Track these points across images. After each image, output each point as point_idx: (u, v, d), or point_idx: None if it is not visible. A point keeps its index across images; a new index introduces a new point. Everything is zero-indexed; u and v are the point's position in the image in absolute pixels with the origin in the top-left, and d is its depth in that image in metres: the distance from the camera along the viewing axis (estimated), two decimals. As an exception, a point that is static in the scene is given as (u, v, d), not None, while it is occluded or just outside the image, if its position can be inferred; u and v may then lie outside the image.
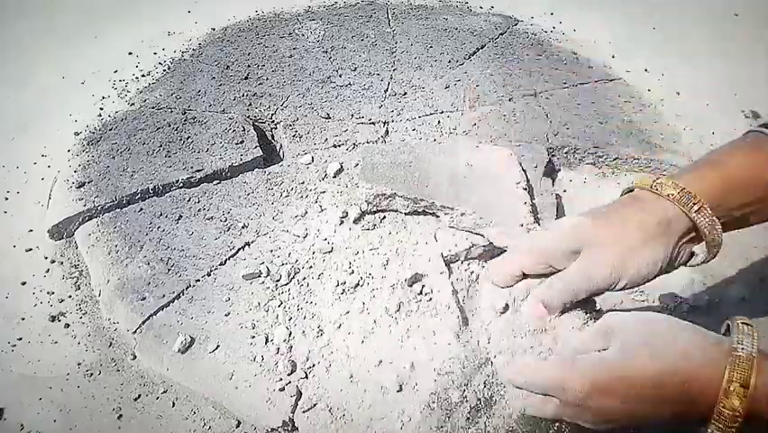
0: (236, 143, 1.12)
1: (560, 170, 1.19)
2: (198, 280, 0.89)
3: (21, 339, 0.90)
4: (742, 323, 0.47)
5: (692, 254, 0.58)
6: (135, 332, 0.85)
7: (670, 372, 0.45)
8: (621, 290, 0.56)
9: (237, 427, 0.79)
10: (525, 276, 0.62)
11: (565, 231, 0.57)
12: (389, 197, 0.94)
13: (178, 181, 1.05)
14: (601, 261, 0.55)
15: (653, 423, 0.49)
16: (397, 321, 0.82)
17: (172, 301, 0.87)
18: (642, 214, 0.56)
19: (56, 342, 0.90)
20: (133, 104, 1.28)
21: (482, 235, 0.91)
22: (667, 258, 0.55)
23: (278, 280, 0.88)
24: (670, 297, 0.98)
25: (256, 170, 1.09)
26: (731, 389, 0.43)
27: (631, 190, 0.62)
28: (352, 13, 1.60)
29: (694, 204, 0.54)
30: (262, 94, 1.28)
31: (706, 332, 0.48)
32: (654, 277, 0.57)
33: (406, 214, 0.96)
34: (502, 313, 0.66)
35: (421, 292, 0.85)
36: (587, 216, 0.58)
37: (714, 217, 0.54)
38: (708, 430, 0.46)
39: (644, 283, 0.56)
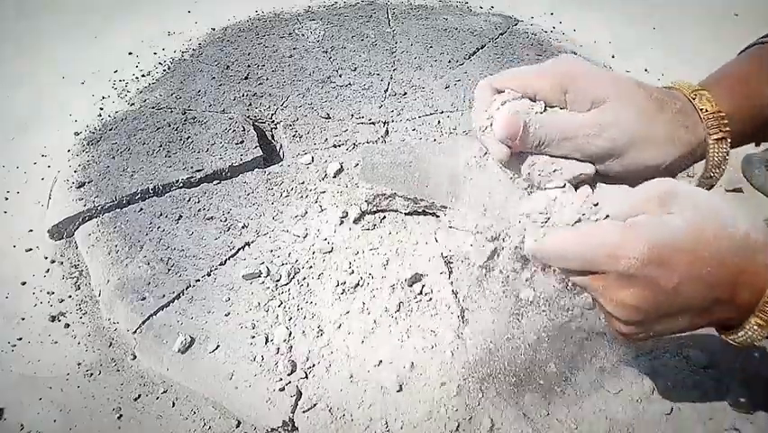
0: (236, 143, 1.12)
1: (560, 170, 1.19)
2: (198, 280, 0.89)
3: (21, 339, 0.90)
4: None
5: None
6: (135, 332, 0.85)
7: (733, 253, 0.41)
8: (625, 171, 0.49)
9: (237, 427, 0.78)
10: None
11: (555, 63, 0.51)
12: (389, 197, 0.94)
13: (178, 181, 1.05)
14: (623, 118, 0.47)
15: (685, 320, 0.44)
16: (397, 321, 0.82)
17: (172, 301, 0.87)
18: (670, 96, 0.51)
19: (56, 342, 0.90)
20: (133, 104, 1.28)
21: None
22: (687, 146, 0.49)
23: (278, 281, 0.88)
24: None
25: (256, 170, 1.09)
26: None
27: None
28: (351, 13, 1.60)
29: (720, 130, 0.50)
30: (262, 94, 1.28)
31: (756, 216, 0.45)
32: (663, 166, 0.50)
33: (406, 214, 0.96)
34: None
35: (421, 292, 0.85)
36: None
37: (727, 156, 0.50)
38: (752, 321, 0.43)
39: (654, 167, 0.49)
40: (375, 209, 0.96)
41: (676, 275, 0.42)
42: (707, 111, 0.51)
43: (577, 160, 0.49)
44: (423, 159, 0.98)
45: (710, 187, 0.52)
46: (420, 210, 0.95)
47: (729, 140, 0.50)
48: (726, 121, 0.50)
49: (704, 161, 0.52)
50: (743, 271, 0.42)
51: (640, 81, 0.51)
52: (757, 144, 0.59)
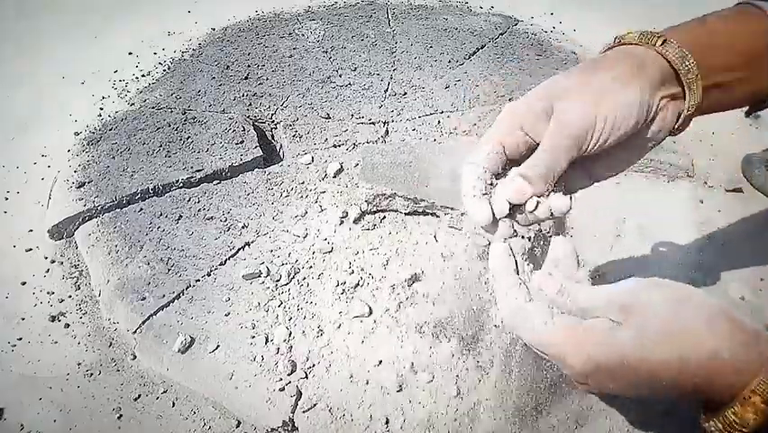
0: (236, 143, 1.12)
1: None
2: (198, 280, 0.89)
3: (21, 339, 0.90)
4: None
5: (680, 115, 0.53)
6: (135, 332, 0.85)
7: (690, 373, 0.40)
8: (601, 144, 0.50)
9: (237, 427, 0.78)
10: (508, 160, 0.54)
11: (536, 90, 0.53)
12: (389, 197, 0.94)
13: (178, 181, 1.05)
14: (574, 105, 0.49)
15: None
16: (398, 321, 0.82)
17: (172, 301, 0.87)
18: (612, 61, 0.52)
19: (56, 342, 0.90)
20: (133, 104, 1.28)
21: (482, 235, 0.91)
22: (645, 103, 0.49)
23: (278, 281, 0.88)
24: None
25: (256, 170, 1.09)
26: (750, 399, 0.38)
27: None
28: (352, 13, 1.60)
29: (658, 38, 0.50)
30: (262, 94, 1.28)
31: (742, 325, 0.41)
32: (636, 126, 0.51)
33: (406, 214, 0.96)
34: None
35: (421, 292, 0.85)
36: (559, 74, 0.53)
37: (683, 49, 0.50)
38: (707, 424, 0.42)
39: (625, 133, 0.51)
40: (375, 209, 0.96)
41: (622, 385, 0.43)
42: (634, 38, 0.52)
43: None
44: (423, 159, 0.98)
45: (699, 95, 0.51)
46: (420, 210, 0.95)
47: (675, 42, 0.50)
48: (657, 31, 0.51)
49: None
50: (707, 388, 0.41)
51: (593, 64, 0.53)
52: (747, 114, 0.58)
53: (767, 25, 0.51)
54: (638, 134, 0.52)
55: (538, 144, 0.51)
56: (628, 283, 0.45)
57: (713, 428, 0.42)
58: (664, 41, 0.50)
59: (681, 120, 0.53)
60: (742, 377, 0.39)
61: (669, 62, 0.50)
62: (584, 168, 0.55)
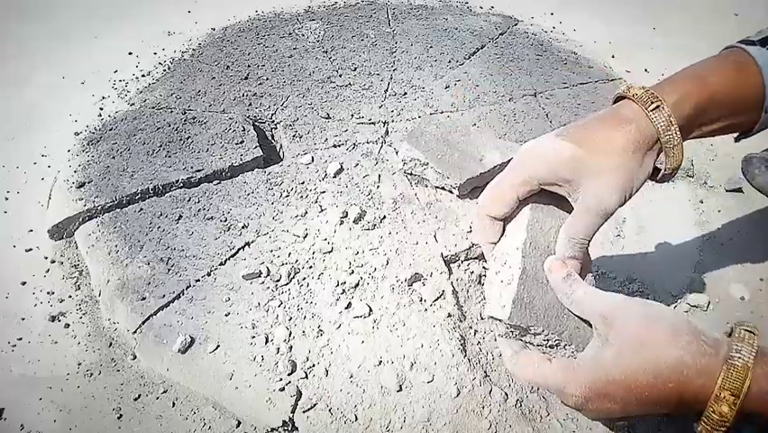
0: (236, 143, 1.12)
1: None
2: (198, 280, 0.89)
3: (21, 339, 0.90)
4: (744, 329, 0.47)
5: (656, 169, 0.59)
6: (135, 332, 0.85)
7: (664, 379, 0.46)
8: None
9: (237, 427, 0.79)
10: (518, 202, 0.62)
11: (563, 160, 0.57)
12: (424, 164, 0.97)
13: (178, 181, 1.05)
14: (610, 192, 0.55)
15: (652, 416, 0.52)
16: (397, 321, 0.82)
17: (172, 301, 0.87)
18: (626, 133, 0.57)
19: (56, 342, 0.90)
20: (133, 104, 1.28)
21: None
22: (648, 169, 0.57)
23: (278, 281, 0.88)
24: (670, 297, 0.98)
25: (256, 170, 1.09)
26: (722, 396, 0.45)
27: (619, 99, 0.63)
28: (352, 13, 1.60)
29: (652, 102, 0.56)
30: (262, 94, 1.28)
31: (704, 336, 0.48)
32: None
33: (436, 187, 0.99)
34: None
35: (421, 292, 0.85)
36: (573, 142, 0.58)
37: (672, 117, 0.55)
38: (698, 429, 0.47)
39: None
40: (410, 172, 1.01)
41: (615, 402, 0.49)
42: (637, 95, 0.57)
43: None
44: (471, 143, 0.99)
45: (678, 161, 0.58)
46: (447, 189, 0.97)
47: (667, 108, 0.56)
48: (656, 94, 0.56)
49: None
50: (682, 391, 0.47)
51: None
52: (737, 140, 0.65)
53: (760, 78, 0.57)
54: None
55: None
56: (615, 298, 0.53)
57: (704, 431, 0.47)
58: (657, 107, 0.56)
59: (660, 176, 0.60)
60: (708, 379, 0.45)
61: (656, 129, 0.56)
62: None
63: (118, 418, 0.80)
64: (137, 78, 1.41)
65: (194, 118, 1.19)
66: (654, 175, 0.59)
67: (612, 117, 0.58)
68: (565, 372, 0.51)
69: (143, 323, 0.85)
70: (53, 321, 0.92)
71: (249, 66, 1.37)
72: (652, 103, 0.56)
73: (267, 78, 1.33)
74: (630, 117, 0.57)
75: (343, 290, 0.86)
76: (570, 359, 0.54)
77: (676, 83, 0.58)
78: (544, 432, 0.74)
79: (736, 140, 0.65)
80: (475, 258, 0.91)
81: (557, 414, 0.76)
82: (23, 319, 0.92)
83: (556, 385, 0.52)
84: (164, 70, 1.41)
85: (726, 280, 1.02)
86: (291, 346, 0.80)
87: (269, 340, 0.81)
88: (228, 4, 1.65)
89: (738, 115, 0.59)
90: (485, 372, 0.78)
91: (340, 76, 1.35)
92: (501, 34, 1.54)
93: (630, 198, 0.57)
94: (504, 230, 0.64)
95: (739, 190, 1.19)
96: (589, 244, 0.58)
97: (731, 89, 0.58)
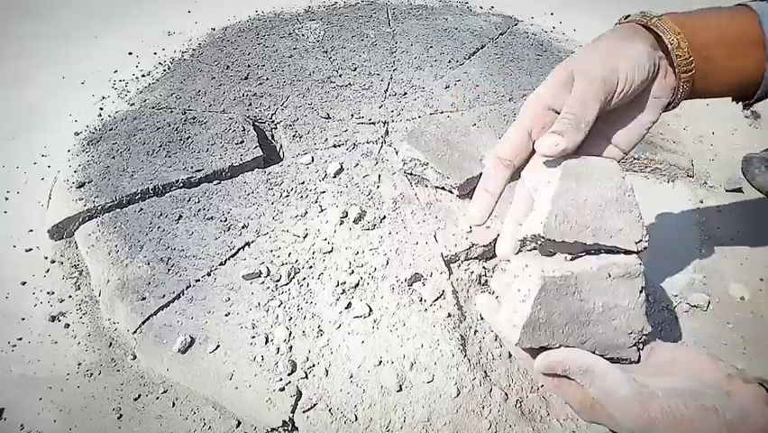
0: (236, 143, 1.12)
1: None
2: (198, 280, 0.89)
3: (21, 339, 0.90)
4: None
5: (674, 90, 0.55)
6: (135, 332, 0.85)
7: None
8: (624, 94, 0.52)
9: (237, 427, 0.78)
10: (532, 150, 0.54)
11: (552, 72, 0.54)
12: (424, 164, 0.97)
13: (178, 181, 1.05)
14: (594, 57, 0.52)
15: None
16: (397, 321, 0.82)
17: (172, 301, 0.87)
18: (612, 31, 0.55)
19: (56, 342, 0.90)
20: (133, 104, 1.28)
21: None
22: (651, 54, 0.53)
23: (278, 281, 0.88)
24: (670, 297, 0.98)
25: (256, 170, 1.09)
26: None
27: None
28: (352, 13, 1.60)
29: (651, 17, 0.54)
30: (262, 94, 1.28)
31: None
32: (648, 77, 0.54)
33: (435, 187, 0.99)
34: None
35: (421, 292, 0.85)
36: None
37: (670, 22, 0.53)
38: None
39: (642, 83, 0.53)
40: (410, 172, 1.01)
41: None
42: (636, 16, 0.55)
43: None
44: (471, 143, 1.00)
45: (689, 71, 0.54)
46: (447, 189, 0.97)
47: (669, 20, 0.53)
48: (652, 12, 0.54)
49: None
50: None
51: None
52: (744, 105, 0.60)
53: (757, 22, 0.54)
54: (646, 93, 0.55)
55: None
56: (663, 350, 0.48)
57: None
58: (656, 18, 0.54)
59: (675, 93, 0.56)
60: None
61: (657, 33, 0.54)
62: (605, 137, 0.56)
63: (118, 418, 0.80)
64: (137, 78, 1.41)
65: (194, 118, 1.19)
66: (671, 94, 0.55)
67: (607, 31, 0.56)
68: (636, 396, 0.45)
69: (143, 323, 0.85)
70: (53, 321, 0.92)
71: (249, 66, 1.37)
72: (651, 17, 0.54)
73: (267, 78, 1.33)
74: (626, 25, 0.55)
75: (343, 290, 0.86)
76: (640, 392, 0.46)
77: (671, 16, 0.56)
78: (544, 432, 0.74)
79: (745, 106, 0.61)
80: (475, 258, 0.91)
81: (557, 414, 0.76)
82: (23, 319, 0.92)
83: (638, 421, 0.45)
84: (164, 70, 1.41)
85: (726, 280, 1.02)
86: (291, 346, 0.80)
87: (269, 340, 0.81)
88: (228, 4, 1.65)
89: (737, 50, 0.55)
90: (485, 372, 0.78)
91: (340, 76, 1.35)
92: (501, 34, 1.54)
93: (629, 77, 0.51)
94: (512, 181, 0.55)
95: (739, 190, 1.19)
96: (586, 128, 0.51)
97: (726, 19, 0.56)
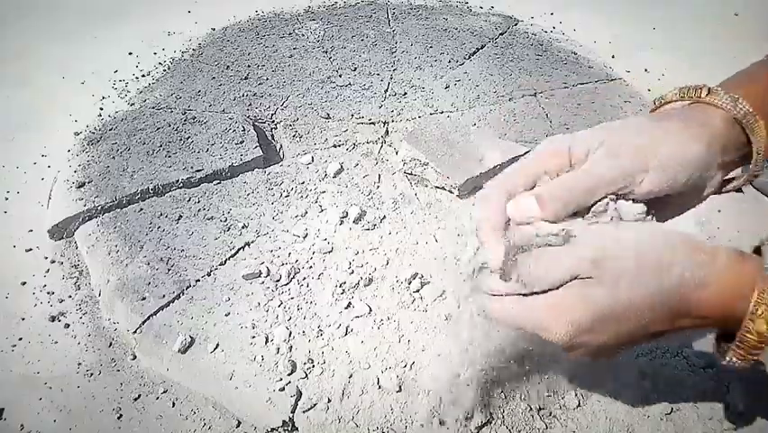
0: (236, 143, 1.12)
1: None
2: (198, 281, 0.89)
3: (21, 339, 0.90)
4: None
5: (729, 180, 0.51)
6: (135, 332, 0.85)
7: (665, 299, 0.42)
8: (650, 193, 0.47)
9: (237, 427, 0.78)
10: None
11: (587, 132, 0.48)
12: (424, 164, 0.97)
13: (178, 181, 1.05)
14: (626, 141, 0.46)
15: (641, 339, 0.45)
16: (398, 321, 0.82)
17: (172, 301, 0.87)
18: (679, 116, 0.48)
19: (56, 342, 0.90)
20: (133, 104, 1.28)
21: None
22: (711, 160, 0.48)
23: (278, 281, 0.88)
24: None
25: (256, 170, 1.09)
26: (759, 312, 0.39)
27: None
28: (352, 13, 1.60)
29: (700, 90, 0.48)
30: (262, 94, 1.28)
31: (701, 246, 0.43)
32: (688, 182, 0.49)
33: (435, 187, 0.99)
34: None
35: (420, 293, 0.85)
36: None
37: (731, 94, 0.47)
38: (727, 357, 0.43)
39: (676, 187, 0.48)
40: (410, 172, 1.01)
41: (605, 336, 0.44)
42: (721, 102, 0.48)
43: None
44: (472, 143, 0.99)
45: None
46: (447, 189, 0.97)
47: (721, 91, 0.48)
48: (738, 97, 0.48)
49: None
50: (679, 317, 0.43)
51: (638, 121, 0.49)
52: None
53: None
54: (699, 186, 0.52)
55: None
56: (590, 241, 0.44)
57: (735, 358, 0.42)
58: (709, 90, 0.48)
59: (753, 165, 0.53)
60: (715, 292, 0.41)
61: (721, 109, 0.48)
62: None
63: (118, 418, 0.80)
64: (137, 78, 1.41)
65: (194, 118, 1.19)
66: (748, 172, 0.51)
67: (665, 111, 0.50)
68: (547, 309, 0.44)
69: (143, 323, 0.85)
70: (53, 321, 0.92)
71: (249, 66, 1.37)
72: (701, 89, 0.48)
73: (267, 78, 1.33)
74: (670, 112, 0.49)
75: (343, 290, 0.86)
76: (549, 296, 0.45)
77: (738, 83, 0.50)
78: (545, 432, 0.74)
79: None
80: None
81: (558, 414, 0.76)
82: (23, 319, 0.92)
83: (537, 326, 0.45)
84: (164, 70, 1.41)
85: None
86: (291, 346, 0.80)
87: (269, 340, 0.81)
88: (228, 4, 1.65)
89: None
90: (485, 371, 0.78)
91: (340, 76, 1.35)
92: (501, 34, 1.54)
93: (664, 167, 0.46)
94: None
95: (739, 190, 1.19)
96: (573, 213, 0.46)
97: None
